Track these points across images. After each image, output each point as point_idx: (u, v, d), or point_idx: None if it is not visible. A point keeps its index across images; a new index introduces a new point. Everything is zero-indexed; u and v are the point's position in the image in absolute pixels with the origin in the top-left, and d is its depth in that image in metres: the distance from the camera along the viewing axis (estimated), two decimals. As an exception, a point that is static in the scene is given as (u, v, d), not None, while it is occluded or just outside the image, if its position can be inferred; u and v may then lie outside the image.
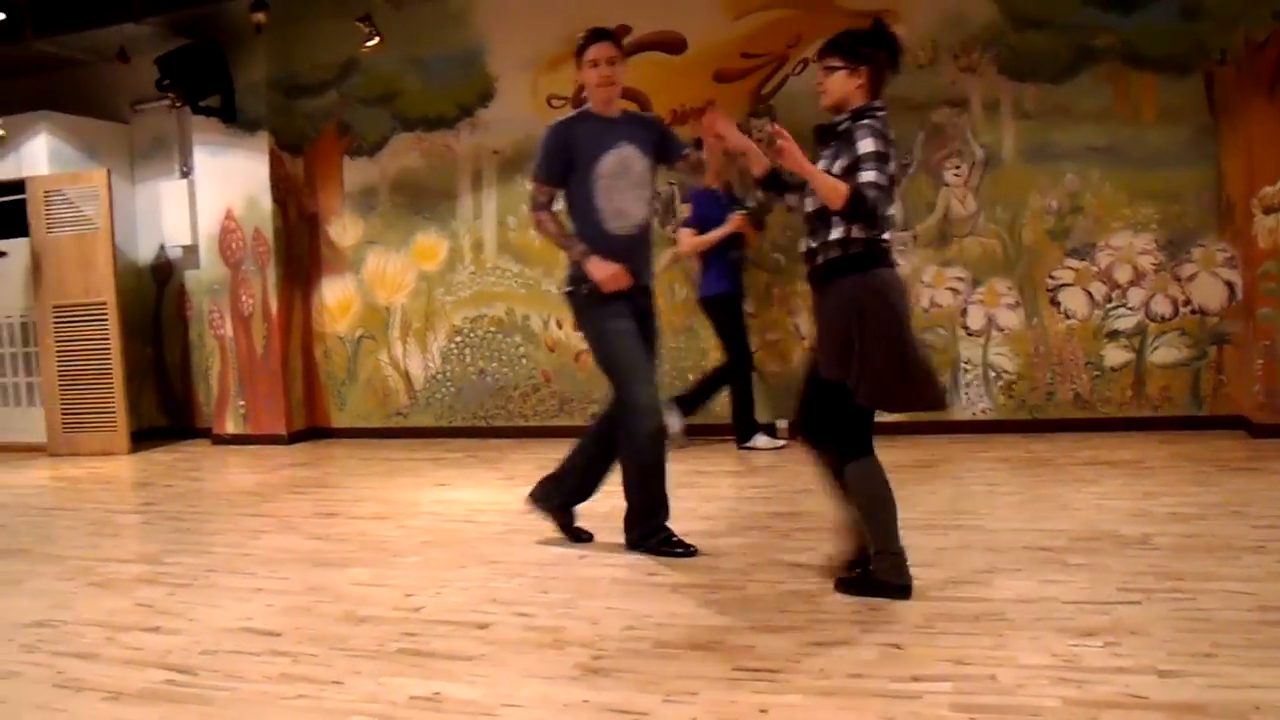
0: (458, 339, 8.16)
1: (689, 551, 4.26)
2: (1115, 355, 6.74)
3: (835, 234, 3.53)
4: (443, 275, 8.18)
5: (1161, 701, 2.69)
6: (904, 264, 7.08)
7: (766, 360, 7.34)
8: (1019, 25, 6.84)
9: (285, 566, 4.51)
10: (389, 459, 7.33)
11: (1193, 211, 6.61)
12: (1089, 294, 6.79)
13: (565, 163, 4.24)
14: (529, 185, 7.68)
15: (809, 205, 3.63)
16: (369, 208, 8.36)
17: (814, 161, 3.59)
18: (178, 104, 8.11)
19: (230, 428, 8.49)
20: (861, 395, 3.51)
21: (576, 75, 4.37)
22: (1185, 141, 6.58)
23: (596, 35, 4.23)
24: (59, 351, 8.33)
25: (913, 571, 3.91)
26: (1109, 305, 6.74)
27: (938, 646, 3.16)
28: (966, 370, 7.05)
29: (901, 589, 3.60)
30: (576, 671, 3.12)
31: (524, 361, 7.99)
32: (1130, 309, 6.73)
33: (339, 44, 8.10)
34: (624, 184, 4.23)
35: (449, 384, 8.20)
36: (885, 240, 3.58)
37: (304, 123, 8.48)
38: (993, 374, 7.01)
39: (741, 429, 6.84)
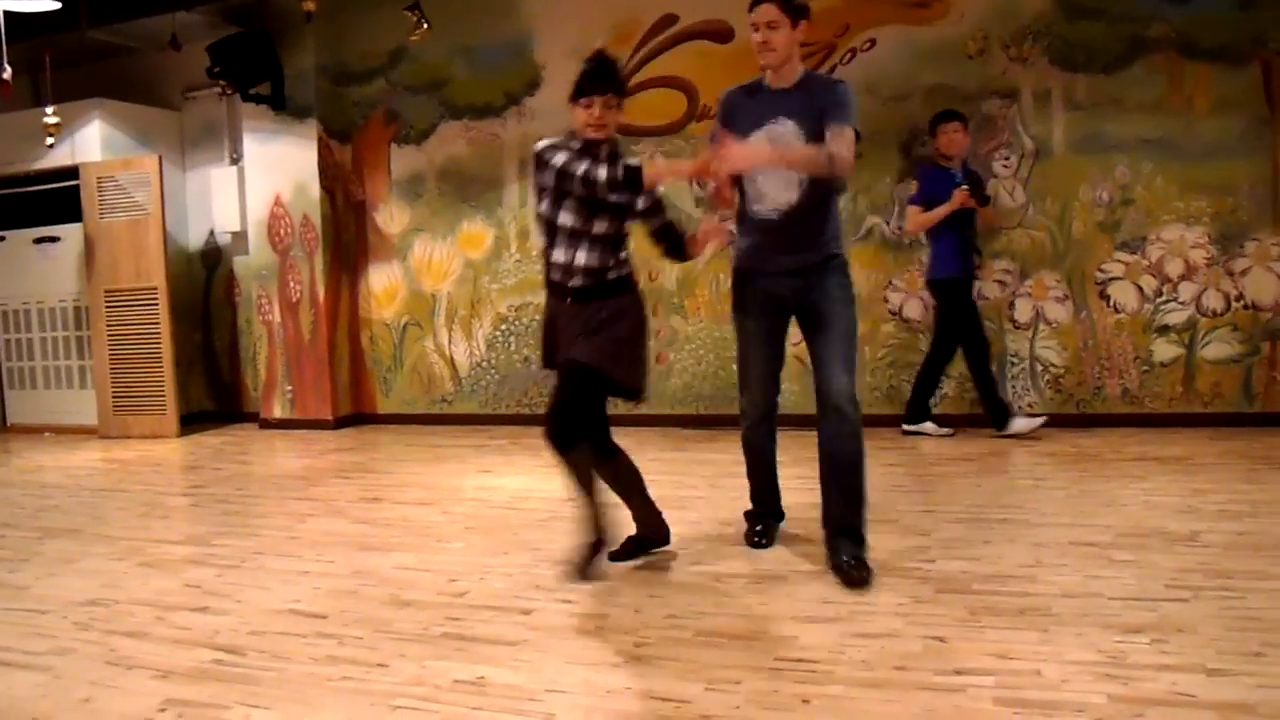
0: (503, 327, 8.20)
1: (755, 543, 4.29)
2: (1165, 350, 6.65)
3: (624, 254, 3.89)
4: (488, 263, 8.22)
5: (1210, 700, 2.66)
6: (951, 256, 7.03)
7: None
8: (1071, 15, 6.75)
9: (331, 550, 4.56)
10: (433, 445, 7.38)
11: (1246, 205, 6.50)
12: (1139, 288, 6.70)
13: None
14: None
15: (599, 228, 3.78)
16: (416, 195, 8.41)
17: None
18: (228, 91, 8.20)
19: (277, 412, 8.59)
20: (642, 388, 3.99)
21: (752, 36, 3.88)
22: (1239, 133, 6.47)
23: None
24: (110, 335, 8.46)
25: (958, 564, 3.91)
26: (1159, 299, 6.65)
27: (982, 640, 3.15)
28: (1014, 364, 6.98)
29: (666, 532, 4.20)
30: (619, 659, 3.13)
31: (568, 350, 8.00)
32: (1181, 303, 6.64)
33: (388, 32, 8.16)
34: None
35: (493, 371, 8.24)
36: None
37: (352, 110, 8.54)
38: (1040, 368, 6.94)
39: (996, 414, 6.58)
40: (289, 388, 8.52)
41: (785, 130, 3.83)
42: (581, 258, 3.82)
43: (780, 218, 3.92)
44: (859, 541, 3.87)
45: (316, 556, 4.46)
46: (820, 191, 3.90)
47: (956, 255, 6.55)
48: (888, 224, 7.16)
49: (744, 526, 4.42)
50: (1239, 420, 6.52)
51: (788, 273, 3.95)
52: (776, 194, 3.91)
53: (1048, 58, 6.81)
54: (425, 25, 7.48)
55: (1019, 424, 6.51)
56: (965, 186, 6.40)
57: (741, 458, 4.34)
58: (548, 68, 7.90)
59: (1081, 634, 3.16)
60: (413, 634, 3.42)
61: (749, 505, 4.44)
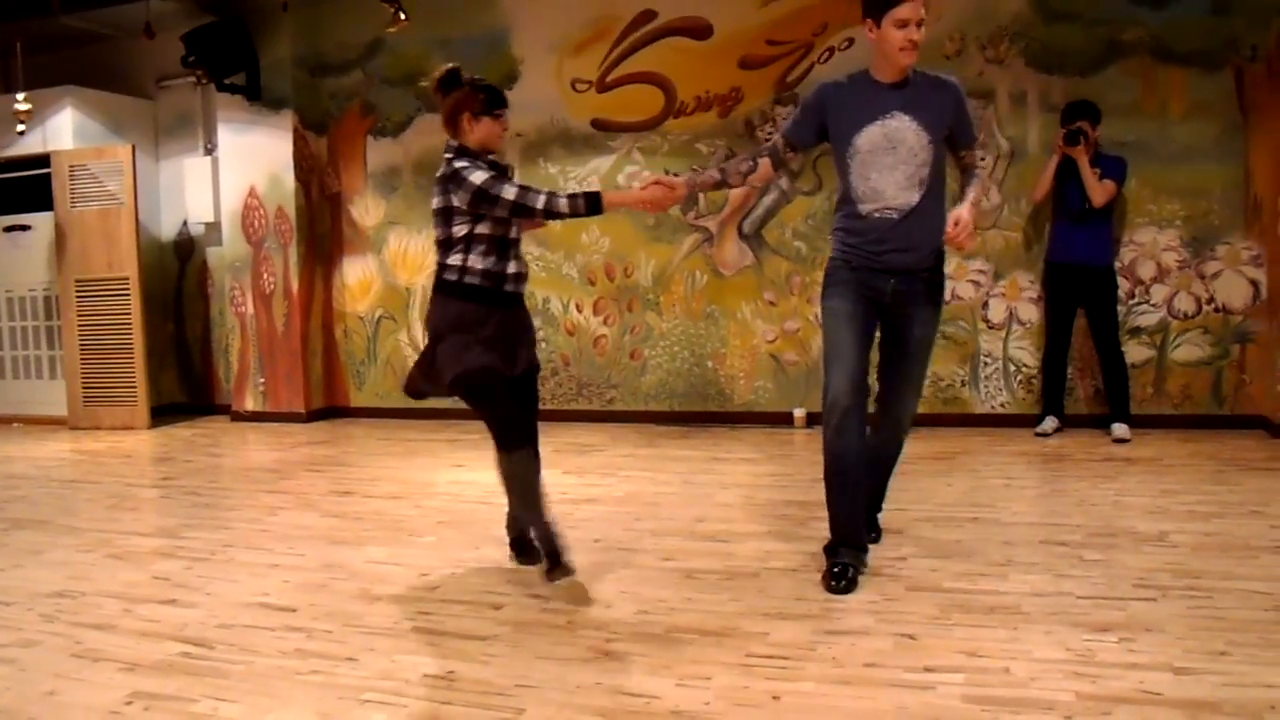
0: (477, 321, 8.16)
1: (836, 588, 3.65)
2: (1137, 352, 6.69)
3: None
4: (463, 257, 8.17)
5: (1176, 698, 2.68)
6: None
7: (788, 348, 7.33)
8: (1048, 18, 6.78)
9: (302, 543, 4.54)
10: (406, 439, 7.36)
11: (1218, 209, 6.56)
12: (1112, 289, 6.74)
13: (817, 127, 3.83)
14: (551, 169, 7.76)
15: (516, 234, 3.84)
16: (391, 188, 8.37)
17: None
18: (203, 81, 8.14)
19: (250, 405, 8.53)
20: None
21: (871, 31, 3.67)
22: (1213, 138, 6.53)
23: None
24: (81, 326, 8.38)
25: (929, 563, 3.93)
26: (1132, 301, 6.69)
27: (952, 638, 3.16)
28: (986, 363, 7.02)
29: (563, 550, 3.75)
30: (590, 654, 3.13)
31: (543, 345, 7.99)
32: (1153, 305, 6.69)
33: (365, 23, 8.11)
34: (889, 160, 3.71)
35: (467, 366, 8.21)
36: None
37: (328, 102, 8.49)
38: (1012, 368, 6.98)
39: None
40: (261, 380, 8.47)
41: (903, 125, 3.70)
42: (517, 266, 3.86)
43: (900, 218, 3.74)
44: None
45: (287, 550, 4.44)
46: (937, 192, 3.80)
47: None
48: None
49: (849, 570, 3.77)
50: (1208, 422, 6.58)
51: (895, 272, 3.78)
52: (895, 193, 3.72)
53: (1024, 60, 6.85)
54: (403, 17, 7.44)
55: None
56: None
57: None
58: (526, 61, 7.88)
59: (1050, 632, 3.18)
60: (382, 628, 3.41)
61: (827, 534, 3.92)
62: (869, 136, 3.70)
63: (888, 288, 3.77)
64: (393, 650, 3.20)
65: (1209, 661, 2.92)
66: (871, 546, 4.06)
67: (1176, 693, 2.72)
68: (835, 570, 3.70)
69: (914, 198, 3.72)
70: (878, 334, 3.91)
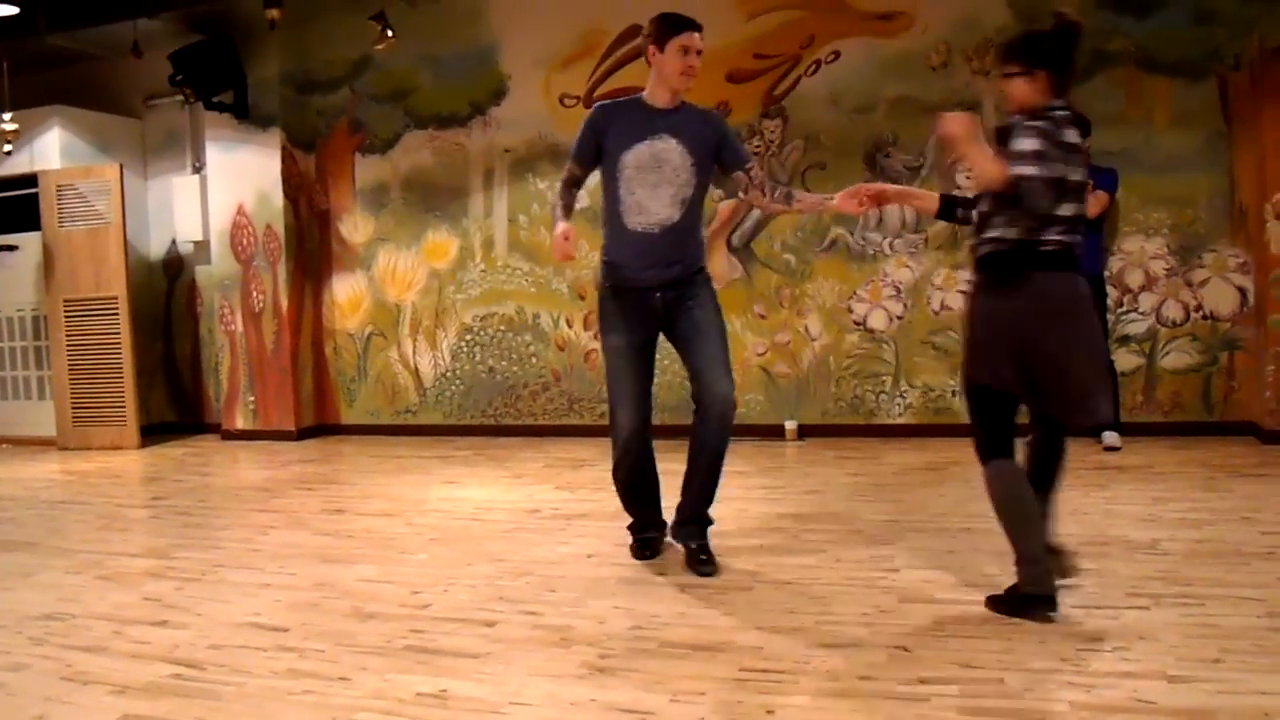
0: (468, 337, 8.17)
1: (639, 554, 4.32)
2: (1126, 360, 6.71)
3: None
4: (453, 273, 8.19)
5: (1170, 707, 2.68)
6: (914, 267, 7.08)
7: (778, 361, 7.34)
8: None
9: (293, 562, 4.52)
10: (397, 456, 7.34)
11: (1205, 217, 6.59)
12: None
13: (595, 146, 4.10)
14: (540, 184, 7.77)
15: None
16: (380, 205, 8.37)
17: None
18: (190, 100, 8.13)
19: (240, 423, 8.50)
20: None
21: (654, 55, 4.00)
22: (1198, 147, 6.56)
23: (690, 22, 3.97)
24: (70, 346, 8.35)
25: (922, 574, 3.93)
26: (1120, 310, 6.72)
27: (946, 649, 3.15)
28: (976, 373, 7.02)
29: (1046, 600, 3.39)
30: (583, 670, 3.12)
31: (534, 360, 7.99)
32: (1141, 314, 6.71)
33: (352, 41, 8.12)
34: (654, 179, 4.01)
35: (458, 382, 8.21)
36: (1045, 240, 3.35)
37: (316, 119, 8.49)
38: (1003, 377, 6.98)
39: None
40: (251, 398, 8.45)
41: (669, 147, 4.02)
42: None
43: (661, 233, 4.03)
44: (707, 526, 4.23)
45: (278, 569, 4.41)
46: (697, 213, 4.14)
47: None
48: (851, 235, 7.19)
49: (650, 539, 4.38)
50: (1198, 429, 6.60)
51: (661, 286, 4.06)
52: (658, 209, 4.02)
53: (1010, 70, 6.87)
54: (390, 34, 7.46)
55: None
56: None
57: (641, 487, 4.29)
58: (514, 77, 7.89)
59: (1044, 642, 3.18)
60: (375, 647, 3.39)
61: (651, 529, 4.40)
62: (637, 155, 4.00)
63: (657, 302, 4.08)
64: (385, 669, 3.18)
65: (1203, 669, 2.92)
66: (861, 557, 4.05)
67: (1171, 701, 2.72)
68: (644, 539, 4.33)
69: (675, 215, 4.03)
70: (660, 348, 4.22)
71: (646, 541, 4.34)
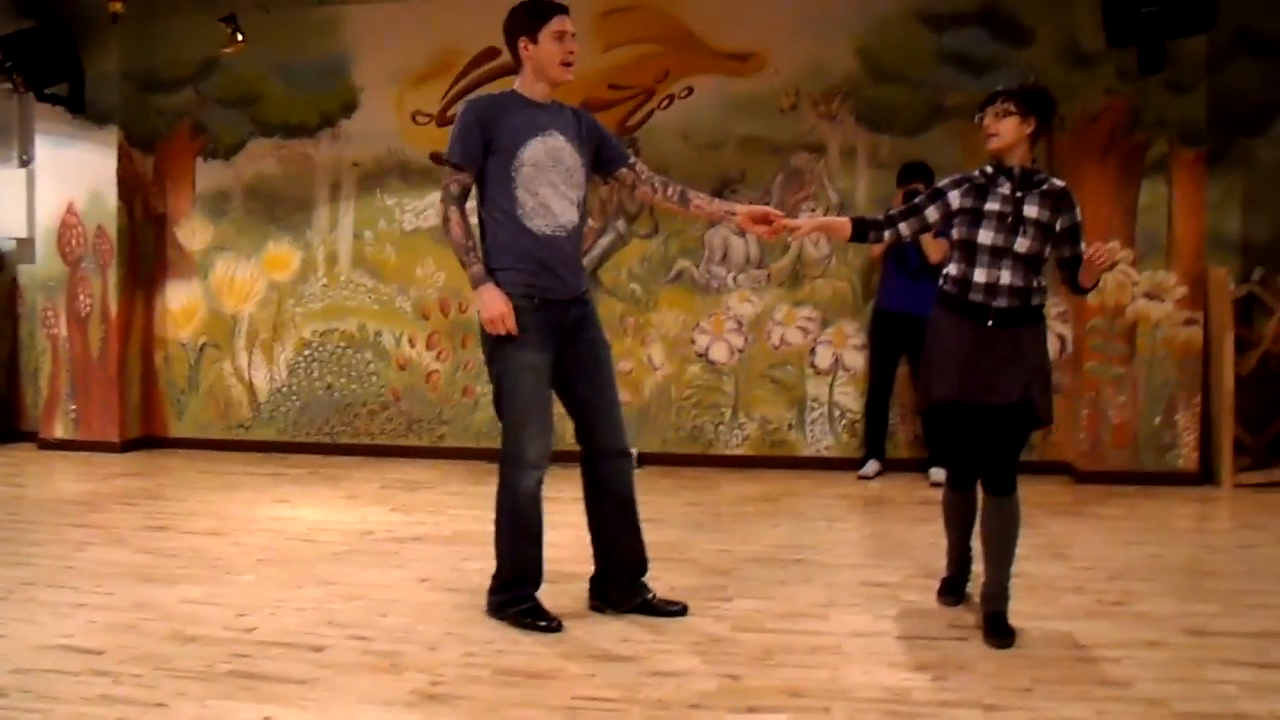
0: (306, 352, 7.97)
1: (552, 627, 3.71)
2: (953, 400, 6.98)
3: (1041, 281, 3.74)
4: (294, 286, 7.98)
5: (983, 736, 2.81)
6: (756, 302, 7.25)
7: (620, 389, 7.38)
8: (877, 78, 7.08)
9: (111, 581, 4.32)
10: (227, 472, 7.09)
11: (1030, 267, 6.93)
12: (931, 340, 7.04)
13: (484, 144, 3.69)
14: (388, 200, 7.66)
15: (1021, 246, 3.65)
16: (220, 212, 8.11)
17: (1011, 196, 3.72)
18: (20, 88, 7.73)
19: (59, 432, 8.08)
20: (1048, 415, 3.74)
21: (526, 48, 3.73)
22: (1026, 200, 6.90)
23: (559, 5, 3.72)
24: None
25: (753, 603, 4.02)
26: (949, 352, 6.98)
27: (775, 678, 3.23)
28: (813, 408, 7.22)
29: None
30: (413, 698, 3.08)
31: (373, 379, 7.85)
32: (969, 356, 7.00)
33: (200, 41, 7.85)
34: (553, 177, 3.72)
35: (294, 398, 8.00)
36: None
37: (157, 119, 8.18)
38: (837, 412, 7.20)
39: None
40: (73, 407, 8.05)
41: (560, 144, 3.77)
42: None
43: (566, 236, 3.77)
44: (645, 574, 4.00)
45: (94, 588, 4.21)
46: (585, 217, 3.91)
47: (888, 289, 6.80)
48: (697, 268, 7.32)
49: (539, 608, 3.82)
50: (1018, 468, 6.90)
51: (572, 300, 3.80)
52: (561, 210, 3.75)
53: (854, 117, 7.13)
54: (240, 38, 7.27)
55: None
56: None
57: (546, 493, 4.10)
58: (365, 91, 7.77)
59: (869, 672, 3.29)
60: (195, 672, 3.27)
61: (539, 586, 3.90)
62: (533, 151, 3.69)
63: (566, 319, 3.79)
64: (206, 695, 3.08)
65: (1015, 698, 3.07)
66: (694, 586, 4.12)
67: (983, 731, 2.85)
68: (542, 612, 3.76)
69: (574, 217, 3.80)
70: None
71: (543, 610, 3.79)
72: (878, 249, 6.81)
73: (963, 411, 3.73)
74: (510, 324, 3.66)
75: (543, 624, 3.73)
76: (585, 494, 3.96)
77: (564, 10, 3.73)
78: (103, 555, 4.79)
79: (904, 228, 3.86)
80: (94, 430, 7.96)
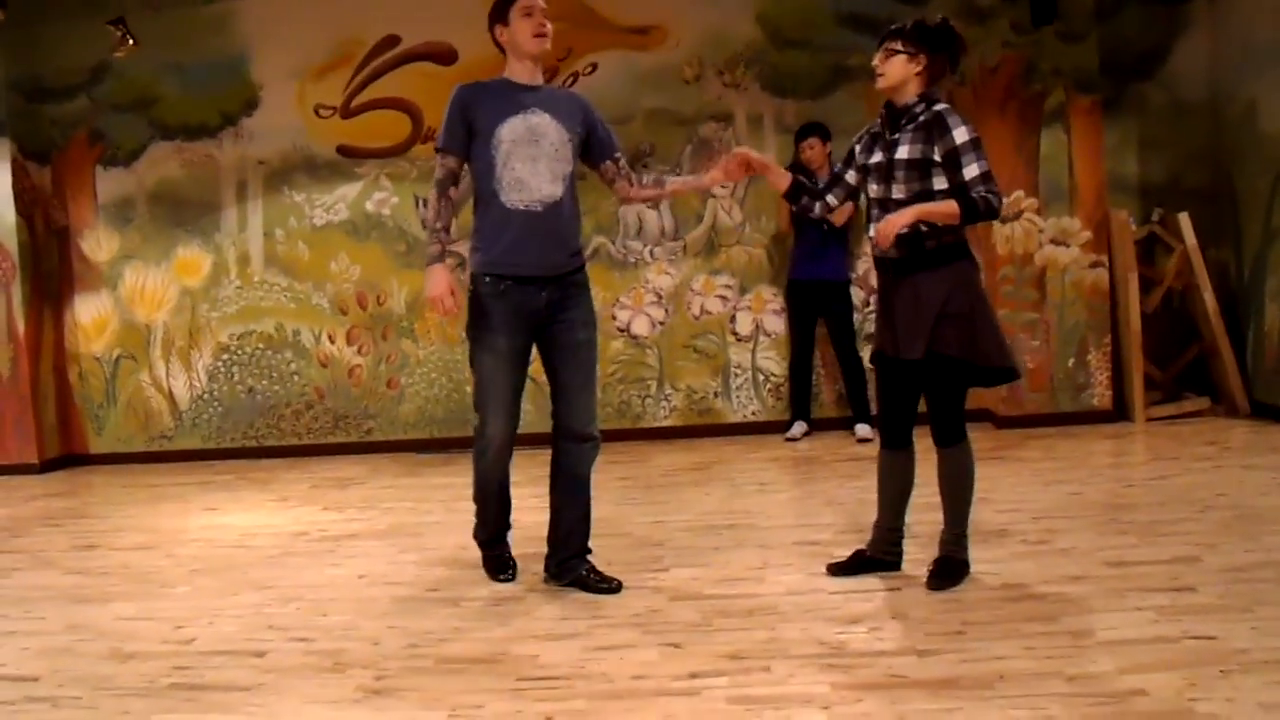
0: (224, 357, 7.86)
1: (504, 578, 4.11)
2: (874, 357, 7.11)
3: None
4: (207, 291, 7.85)
5: (920, 679, 2.91)
6: (674, 274, 7.30)
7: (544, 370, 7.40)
8: (779, 45, 7.16)
9: (41, 605, 4.24)
10: (153, 485, 6.97)
11: (939, 221, 7.07)
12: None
13: (467, 128, 3.83)
14: (297, 196, 7.56)
15: (897, 193, 3.59)
16: (125, 220, 7.94)
17: (887, 140, 3.68)
18: (-98, 107, 7.48)
19: (-28, 457, 7.89)
20: (987, 359, 3.64)
21: (502, 34, 3.85)
22: (930, 155, 7.03)
23: None
24: None
25: (690, 572, 4.08)
26: (867, 310, 7.09)
27: (714, 643, 3.29)
28: (737, 374, 7.31)
29: (967, 565, 3.79)
30: (359, 694, 3.08)
31: (295, 378, 7.77)
32: (886, 313, 7.13)
33: (88, 46, 7.64)
34: (532, 152, 3.78)
35: (216, 404, 7.88)
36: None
37: (51, 129, 7.96)
38: (761, 377, 7.29)
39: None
40: (-14, 430, 7.85)
41: (544, 121, 3.84)
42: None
43: (544, 210, 3.81)
44: (587, 554, 4.06)
45: (24, 614, 4.13)
46: (574, 192, 3.93)
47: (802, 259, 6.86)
48: (613, 244, 7.34)
49: (481, 556, 4.24)
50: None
51: (543, 280, 3.83)
52: (539, 185, 3.80)
53: (759, 84, 7.20)
54: (131, 41, 7.10)
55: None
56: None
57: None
58: (265, 88, 7.65)
59: (806, 629, 3.36)
60: (137, 688, 3.24)
61: (481, 538, 4.24)
62: (512, 128, 3.78)
63: (541, 302, 3.85)
64: (149, 711, 3.05)
65: (948, 641, 3.17)
66: (631, 559, 4.17)
67: (920, 674, 2.94)
68: (500, 559, 4.19)
69: (558, 191, 3.83)
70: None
71: (504, 561, 4.18)
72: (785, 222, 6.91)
73: (886, 364, 3.80)
74: (449, 305, 3.81)
75: (494, 575, 4.15)
76: (550, 469, 4.08)
77: None
78: (30, 580, 4.70)
79: (831, 198, 3.94)
80: (10, 453, 7.77)
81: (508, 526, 4.25)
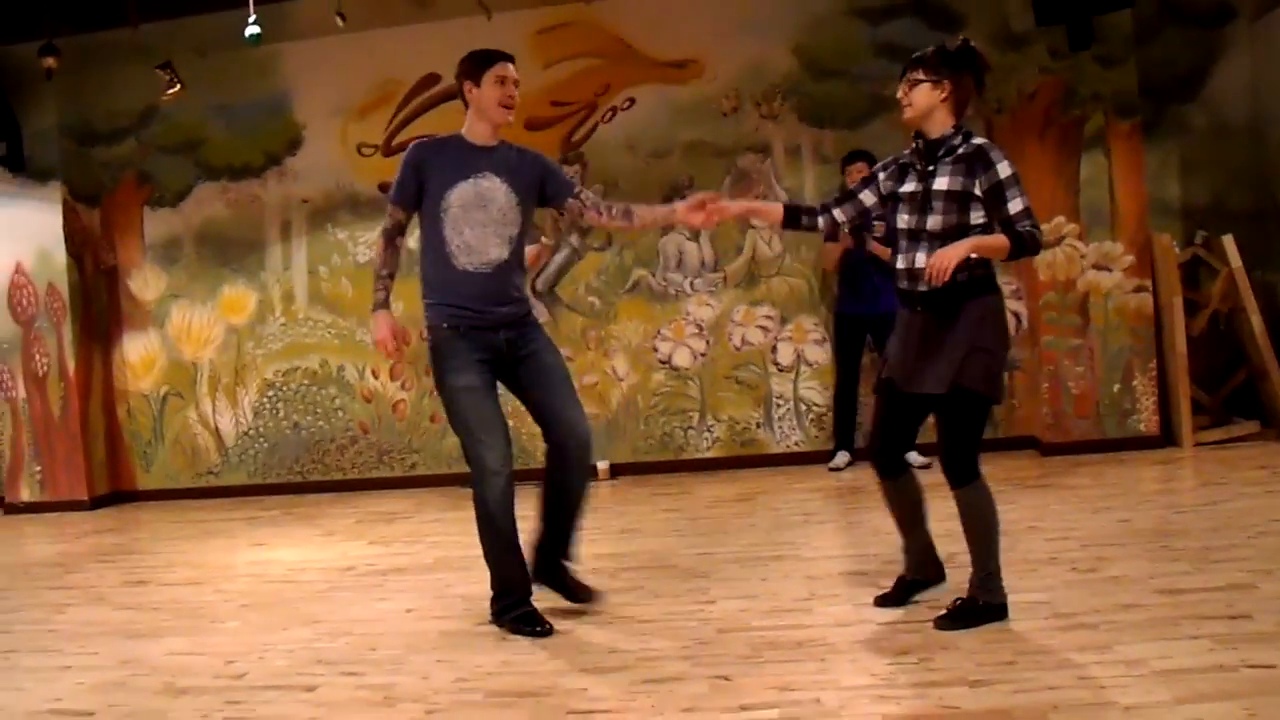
0: (270, 393, 7.94)
1: (541, 632, 3.85)
2: (916, 385, 7.08)
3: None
4: (252, 328, 7.96)
5: (972, 710, 2.87)
6: (714, 305, 7.31)
7: (587, 402, 7.41)
8: (816, 75, 7.18)
9: (95, 640, 4.29)
10: (201, 520, 7.05)
11: (980, 248, 7.04)
12: (890, 328, 7.12)
13: (418, 186, 3.98)
14: (340, 234, 7.66)
15: (932, 224, 3.56)
16: (172, 260, 8.07)
17: (922, 170, 3.65)
18: (-43, 152, 7.67)
19: (25, 495, 8.00)
20: (999, 394, 3.68)
21: (470, 91, 3.98)
22: (970, 183, 7.01)
23: (502, 53, 4.00)
24: None
25: (737, 603, 4.06)
26: (908, 338, 7.06)
27: (765, 675, 3.27)
28: (779, 405, 7.29)
29: (1001, 608, 3.61)
30: (410, 727, 3.09)
31: (340, 414, 7.84)
32: (928, 341, 7.10)
33: (137, 91, 7.80)
34: (480, 217, 3.93)
35: (262, 440, 7.97)
36: None
37: (100, 172, 8.13)
38: (804, 407, 7.28)
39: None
40: (38, 468, 7.97)
41: (494, 186, 3.96)
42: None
43: (492, 272, 3.97)
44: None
45: (78, 649, 4.19)
46: (521, 251, 4.08)
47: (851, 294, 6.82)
48: (654, 276, 7.37)
49: (533, 614, 3.96)
50: (986, 445, 6.85)
51: (502, 324, 3.99)
52: (487, 249, 3.95)
53: (796, 114, 7.22)
54: (178, 84, 7.23)
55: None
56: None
57: (523, 512, 4.12)
58: (309, 127, 7.77)
59: (856, 660, 3.34)
60: (190, 722, 3.27)
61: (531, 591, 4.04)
62: (460, 194, 3.93)
63: (500, 341, 4.00)
64: (202, 744, 3.08)
65: (999, 672, 3.13)
66: (677, 591, 4.16)
67: (973, 704, 2.91)
68: (536, 617, 3.92)
69: (504, 254, 3.98)
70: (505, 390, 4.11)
71: (535, 615, 3.93)
72: (831, 259, 6.84)
73: (894, 395, 3.75)
74: (390, 349, 4.07)
75: (532, 629, 3.88)
76: (543, 488, 4.12)
77: (508, 59, 4.01)
78: (83, 615, 4.76)
79: (839, 212, 3.89)
80: (61, 490, 7.90)
81: (529, 577, 4.05)
